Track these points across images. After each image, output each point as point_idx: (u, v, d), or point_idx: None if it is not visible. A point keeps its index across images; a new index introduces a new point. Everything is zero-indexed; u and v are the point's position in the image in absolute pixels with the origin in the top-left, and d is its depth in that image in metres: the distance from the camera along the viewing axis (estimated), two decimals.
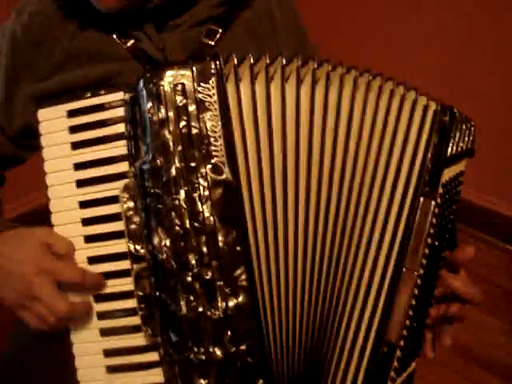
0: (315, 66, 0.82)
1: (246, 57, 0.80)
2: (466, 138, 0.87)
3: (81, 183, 0.83)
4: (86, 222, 0.83)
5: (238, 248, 0.78)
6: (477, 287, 0.87)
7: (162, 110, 0.77)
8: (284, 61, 0.81)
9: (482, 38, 2.27)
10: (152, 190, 0.78)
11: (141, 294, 0.80)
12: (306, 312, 0.84)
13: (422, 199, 0.83)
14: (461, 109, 0.85)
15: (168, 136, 0.77)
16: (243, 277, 0.78)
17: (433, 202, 0.83)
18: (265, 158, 0.80)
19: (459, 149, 0.86)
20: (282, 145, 0.81)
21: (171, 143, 0.77)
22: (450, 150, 0.84)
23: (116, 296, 0.83)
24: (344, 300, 0.85)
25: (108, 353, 0.84)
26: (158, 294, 0.79)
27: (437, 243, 0.85)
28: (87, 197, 0.83)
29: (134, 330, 0.82)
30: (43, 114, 0.84)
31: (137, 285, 0.80)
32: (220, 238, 0.78)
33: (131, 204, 0.80)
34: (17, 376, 1.01)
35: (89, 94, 0.83)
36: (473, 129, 0.87)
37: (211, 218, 0.78)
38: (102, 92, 0.83)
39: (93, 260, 0.83)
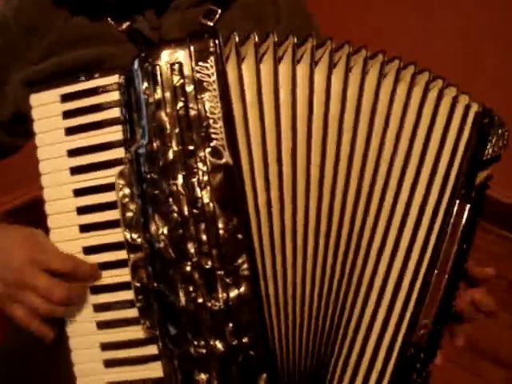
0: (333, 47, 0.77)
1: (251, 35, 0.76)
2: (500, 143, 0.83)
3: (75, 170, 0.80)
4: (81, 210, 0.80)
5: (240, 236, 0.74)
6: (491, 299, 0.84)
7: (159, 91, 0.74)
8: (296, 40, 0.76)
9: (496, 39, 2.27)
10: (148, 176, 0.74)
11: (138, 284, 0.76)
12: (316, 305, 0.79)
13: (457, 202, 0.80)
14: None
15: (165, 118, 0.74)
16: (245, 266, 0.74)
17: (468, 206, 0.80)
18: (270, 141, 0.76)
19: (493, 153, 0.82)
20: (292, 129, 0.77)
21: (168, 125, 0.74)
22: (486, 153, 0.81)
23: (113, 287, 0.79)
24: (365, 297, 0.81)
25: (105, 346, 0.80)
26: (155, 284, 0.75)
27: (465, 246, 0.81)
28: (82, 184, 0.80)
29: (132, 322, 0.78)
30: (36, 98, 0.80)
31: (134, 275, 0.76)
32: (220, 225, 0.74)
33: (127, 191, 0.76)
34: (15, 371, 0.97)
35: (83, 78, 0.80)
36: (507, 134, 0.83)
37: (211, 204, 0.74)
38: (97, 75, 0.80)
39: (88, 250, 0.80)
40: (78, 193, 0.80)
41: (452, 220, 0.80)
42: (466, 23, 2.30)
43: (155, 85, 0.74)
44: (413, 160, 0.79)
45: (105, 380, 0.80)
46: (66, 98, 0.80)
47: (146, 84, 0.74)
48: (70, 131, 0.80)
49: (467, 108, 0.80)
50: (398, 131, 0.78)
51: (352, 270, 0.79)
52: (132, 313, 0.78)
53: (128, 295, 0.78)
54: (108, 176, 0.79)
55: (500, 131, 0.82)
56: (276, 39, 0.76)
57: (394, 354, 0.80)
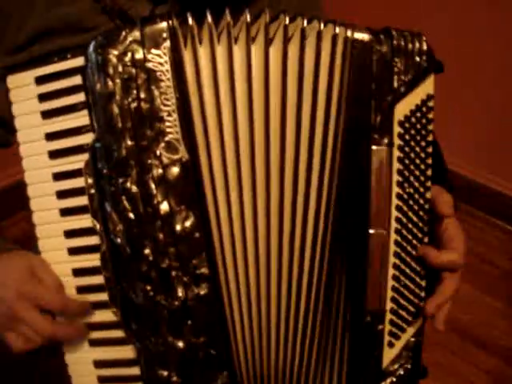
0: (287, 21, 0.69)
1: (206, 16, 0.68)
2: (417, 58, 0.72)
3: (53, 154, 0.79)
4: (60, 194, 0.79)
5: (197, 234, 0.71)
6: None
7: (109, 83, 0.70)
8: (249, 18, 0.69)
9: (496, 39, 2.19)
10: (104, 171, 0.72)
11: (107, 274, 0.76)
12: (285, 304, 0.76)
13: (374, 148, 0.72)
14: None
15: (116, 111, 0.70)
16: (204, 265, 0.71)
17: (384, 148, 0.72)
18: (227, 131, 0.71)
19: (409, 76, 0.71)
20: (248, 116, 0.71)
21: (120, 119, 0.70)
22: (396, 80, 0.71)
23: (92, 271, 0.79)
24: (317, 284, 0.77)
25: (90, 327, 0.81)
26: (117, 279, 0.74)
27: (411, 190, 0.74)
28: (60, 168, 0.79)
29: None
30: (12, 80, 0.79)
31: (103, 264, 0.76)
32: (177, 223, 0.71)
33: (92, 180, 0.74)
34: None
35: (55, 59, 0.77)
36: (424, 43, 0.72)
37: (166, 202, 0.70)
38: (69, 56, 0.76)
39: (69, 234, 0.80)
40: (57, 177, 0.79)
41: (373, 170, 0.73)
42: (466, 23, 2.24)
43: (106, 76, 0.69)
44: (304, 113, 0.72)
45: (91, 358, 0.82)
46: (40, 80, 0.77)
47: (96, 75, 0.70)
48: (47, 114, 0.78)
49: (346, 41, 0.70)
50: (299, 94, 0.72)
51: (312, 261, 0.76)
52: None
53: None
54: (84, 160, 0.77)
55: (410, 46, 0.71)
56: (229, 19, 0.68)
57: (349, 329, 0.78)
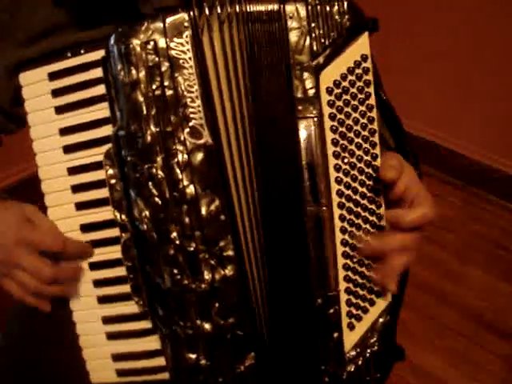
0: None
1: (214, 2, 0.71)
2: (338, 18, 0.69)
3: (67, 149, 0.79)
4: (76, 188, 0.80)
5: (223, 217, 0.73)
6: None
7: (133, 72, 0.71)
8: None
9: (495, 39, 2.20)
10: (129, 158, 0.73)
11: (129, 264, 0.77)
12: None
13: (302, 123, 0.71)
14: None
15: (140, 99, 0.71)
16: (229, 247, 0.73)
17: (312, 119, 0.70)
18: (239, 117, 0.74)
19: (331, 39, 0.70)
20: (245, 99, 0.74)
21: (144, 107, 0.72)
22: (315, 45, 0.70)
23: (112, 263, 0.80)
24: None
25: (107, 320, 0.82)
26: (142, 266, 0.75)
27: (353, 160, 0.73)
28: (75, 163, 0.80)
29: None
30: (25, 77, 0.80)
31: (125, 254, 0.77)
32: (202, 206, 0.73)
33: (114, 171, 0.75)
34: (27, 331, 0.99)
35: (69, 54, 0.78)
36: (344, 3, 0.69)
37: (191, 186, 0.72)
38: (82, 51, 0.78)
39: (85, 228, 0.80)
40: (72, 171, 0.80)
41: (302, 145, 0.71)
42: (465, 23, 2.25)
43: (129, 65, 0.71)
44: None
45: (109, 351, 0.82)
46: (53, 75, 0.78)
47: (120, 65, 0.71)
48: (61, 110, 0.79)
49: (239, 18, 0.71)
50: None
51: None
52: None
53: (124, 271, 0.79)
54: (99, 154, 0.78)
55: (328, 9, 0.69)
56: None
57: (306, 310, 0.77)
